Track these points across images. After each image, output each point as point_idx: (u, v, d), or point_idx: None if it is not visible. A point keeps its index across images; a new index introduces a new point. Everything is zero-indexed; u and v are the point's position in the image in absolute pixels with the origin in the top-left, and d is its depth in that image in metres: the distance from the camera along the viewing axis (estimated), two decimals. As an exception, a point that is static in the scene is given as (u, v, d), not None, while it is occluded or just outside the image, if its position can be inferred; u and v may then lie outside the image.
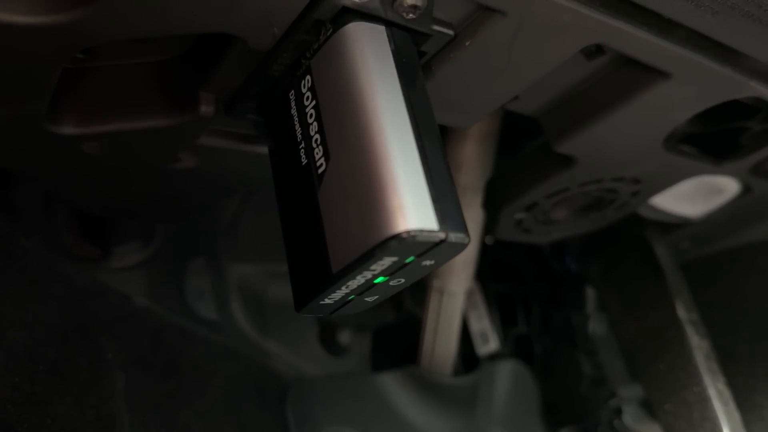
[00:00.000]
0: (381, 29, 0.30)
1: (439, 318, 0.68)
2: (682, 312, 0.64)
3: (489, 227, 0.63)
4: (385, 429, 0.65)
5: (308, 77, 0.30)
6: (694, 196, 0.60)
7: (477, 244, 0.67)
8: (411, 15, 0.29)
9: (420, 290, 0.70)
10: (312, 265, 0.29)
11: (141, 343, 0.53)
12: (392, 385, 0.67)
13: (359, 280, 0.27)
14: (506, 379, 0.72)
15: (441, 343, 0.69)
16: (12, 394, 0.40)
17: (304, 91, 0.31)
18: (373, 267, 0.26)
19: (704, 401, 0.60)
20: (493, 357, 0.76)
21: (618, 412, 0.69)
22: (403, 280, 0.29)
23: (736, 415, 0.59)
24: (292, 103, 0.31)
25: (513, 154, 0.63)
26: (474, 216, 0.63)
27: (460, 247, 0.26)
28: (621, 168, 0.49)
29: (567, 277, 0.78)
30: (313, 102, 0.30)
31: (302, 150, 0.30)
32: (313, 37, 0.30)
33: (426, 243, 0.26)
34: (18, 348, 0.42)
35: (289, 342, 0.69)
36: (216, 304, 0.65)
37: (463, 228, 0.26)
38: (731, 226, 0.66)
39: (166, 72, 0.35)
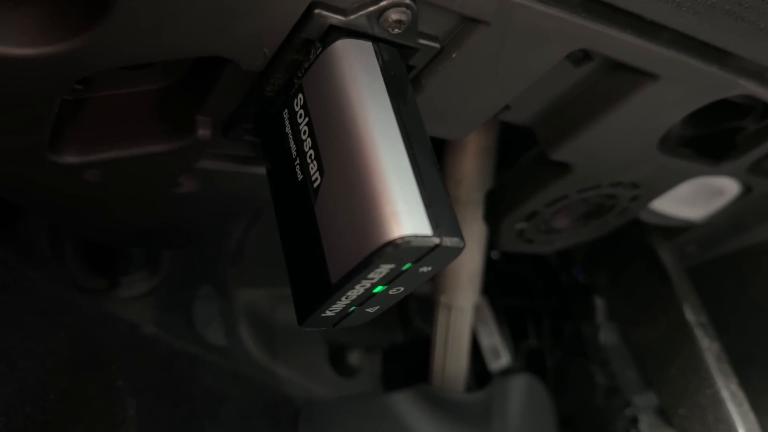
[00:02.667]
0: (368, 45, 0.30)
1: (448, 334, 0.68)
2: (690, 315, 0.63)
3: (493, 241, 0.63)
4: (399, 449, 0.64)
5: (300, 95, 0.31)
6: (695, 198, 0.60)
7: (482, 259, 0.67)
8: (396, 30, 0.30)
9: (428, 307, 0.70)
10: (312, 278, 0.29)
11: (151, 370, 0.53)
12: (404, 405, 0.66)
13: (358, 289, 0.28)
14: (520, 393, 0.71)
15: (451, 359, 0.69)
16: (24, 424, 0.40)
17: (297, 109, 0.31)
18: (371, 275, 0.27)
19: (718, 403, 0.59)
20: (506, 372, 0.75)
21: (634, 421, 0.68)
22: (402, 289, 0.29)
23: (752, 416, 0.58)
24: (286, 122, 0.32)
25: (511, 167, 0.63)
26: (477, 230, 0.63)
27: (455, 251, 0.27)
28: (618, 172, 0.50)
29: (575, 288, 0.78)
30: (306, 119, 0.31)
31: (298, 166, 0.31)
32: (303, 56, 0.31)
33: (421, 248, 0.26)
34: (29, 378, 0.42)
35: (299, 365, 0.69)
36: (224, 329, 0.65)
37: (457, 232, 0.27)
38: (735, 228, 0.66)
39: (163, 98, 0.36)
